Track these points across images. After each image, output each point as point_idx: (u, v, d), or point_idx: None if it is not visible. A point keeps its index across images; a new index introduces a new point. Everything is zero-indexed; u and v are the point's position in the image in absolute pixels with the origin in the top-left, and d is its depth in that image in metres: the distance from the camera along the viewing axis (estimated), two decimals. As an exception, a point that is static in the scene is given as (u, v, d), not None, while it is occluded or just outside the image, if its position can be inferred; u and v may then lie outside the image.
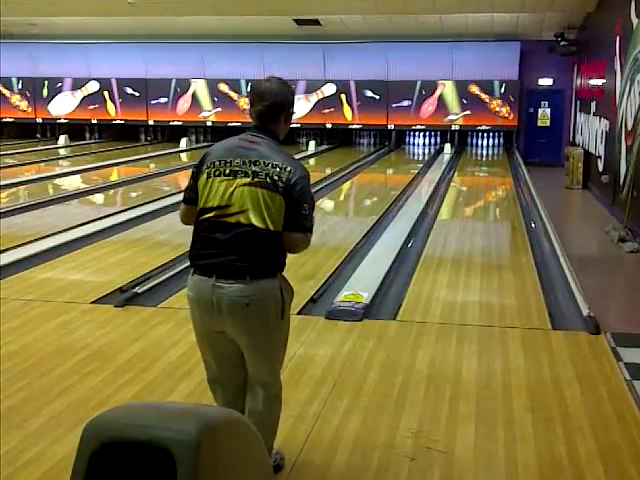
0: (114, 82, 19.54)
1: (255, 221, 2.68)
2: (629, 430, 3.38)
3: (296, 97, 18.15)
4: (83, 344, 4.49)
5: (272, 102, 2.82)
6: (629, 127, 9.08)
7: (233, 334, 2.78)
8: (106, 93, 19.65)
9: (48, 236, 7.50)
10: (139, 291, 5.53)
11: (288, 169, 2.73)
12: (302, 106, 18.54)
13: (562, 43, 15.53)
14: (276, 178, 2.71)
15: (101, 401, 3.60)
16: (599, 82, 12.03)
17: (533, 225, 8.69)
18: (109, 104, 19.71)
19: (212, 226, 2.74)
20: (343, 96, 18.31)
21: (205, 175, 2.80)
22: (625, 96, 9.47)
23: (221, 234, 2.72)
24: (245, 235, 2.69)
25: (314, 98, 18.50)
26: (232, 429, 2.04)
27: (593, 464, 3.08)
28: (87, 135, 20.49)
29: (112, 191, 11.60)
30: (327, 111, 18.45)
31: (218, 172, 2.77)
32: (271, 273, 2.74)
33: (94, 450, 1.76)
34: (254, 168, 2.73)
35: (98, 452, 1.76)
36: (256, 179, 2.71)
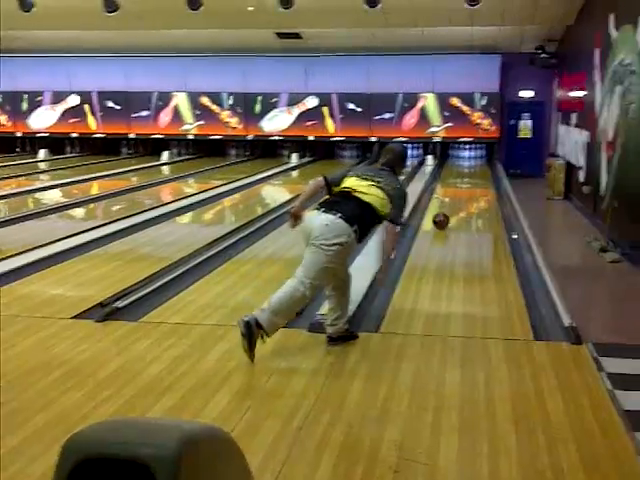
0: (95, 95, 19.48)
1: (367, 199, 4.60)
2: (611, 440, 3.38)
3: (278, 110, 18.43)
4: (63, 359, 4.44)
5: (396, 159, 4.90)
6: (609, 138, 9.17)
7: None
8: (87, 106, 19.57)
9: (28, 250, 7.43)
10: (120, 306, 5.48)
11: (397, 186, 4.76)
12: (284, 119, 18.58)
13: (542, 55, 15.68)
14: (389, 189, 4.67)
15: (81, 417, 3.55)
16: (579, 94, 12.14)
17: (515, 236, 8.72)
18: (90, 118, 19.63)
19: None
20: (325, 109, 18.36)
21: (351, 177, 4.77)
22: (605, 108, 9.56)
23: None
24: None
25: (296, 111, 18.54)
26: (213, 444, 2.02)
27: (576, 475, 3.07)
28: (67, 149, 20.38)
29: (93, 205, 11.54)
30: (309, 124, 18.48)
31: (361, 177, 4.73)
32: None
33: (73, 467, 1.72)
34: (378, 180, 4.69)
35: (77, 469, 1.72)
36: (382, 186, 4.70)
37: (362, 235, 4.52)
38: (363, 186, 4.59)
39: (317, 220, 4.43)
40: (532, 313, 5.43)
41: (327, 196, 4.74)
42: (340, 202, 4.53)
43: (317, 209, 4.53)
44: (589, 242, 8.32)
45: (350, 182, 4.65)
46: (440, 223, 9.10)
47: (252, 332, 4.26)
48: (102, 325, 5.10)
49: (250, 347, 4.26)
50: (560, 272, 6.77)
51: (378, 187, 4.58)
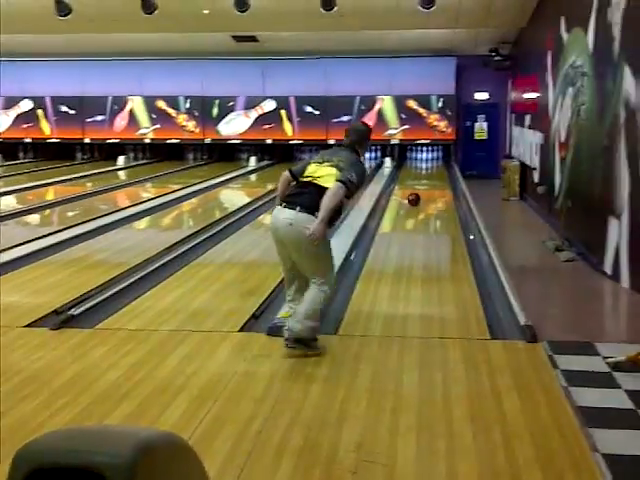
0: (48, 100, 19.20)
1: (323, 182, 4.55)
2: (566, 436, 3.44)
3: (235, 113, 18.37)
4: (18, 368, 4.36)
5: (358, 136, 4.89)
6: (562, 139, 9.33)
7: None
8: (40, 111, 19.28)
9: (-19, 258, 7.29)
10: (75, 313, 5.40)
11: (347, 158, 4.70)
12: (242, 122, 18.53)
13: (496, 58, 15.90)
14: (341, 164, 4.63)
15: (37, 426, 3.50)
16: (533, 96, 12.33)
17: (472, 237, 8.83)
18: (43, 122, 19.34)
19: None
20: (283, 112, 18.35)
21: (311, 164, 4.76)
22: (557, 109, 9.73)
23: None
24: None
25: (254, 114, 18.50)
26: (170, 451, 2.00)
27: (532, 471, 3.12)
28: (21, 154, 20.04)
29: (48, 211, 11.37)
30: (267, 127, 18.46)
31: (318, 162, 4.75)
32: None
33: (25, 477, 1.70)
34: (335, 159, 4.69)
35: (30, 479, 1.70)
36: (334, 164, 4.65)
37: (331, 219, 4.53)
38: (321, 170, 4.62)
39: (280, 222, 4.50)
40: (488, 312, 5.50)
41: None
42: (299, 194, 4.58)
43: (279, 204, 4.61)
44: (544, 242, 8.46)
45: (310, 170, 4.68)
46: (412, 201, 10.83)
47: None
48: (57, 333, 5.03)
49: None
50: (516, 271, 6.87)
51: (333, 166, 4.59)
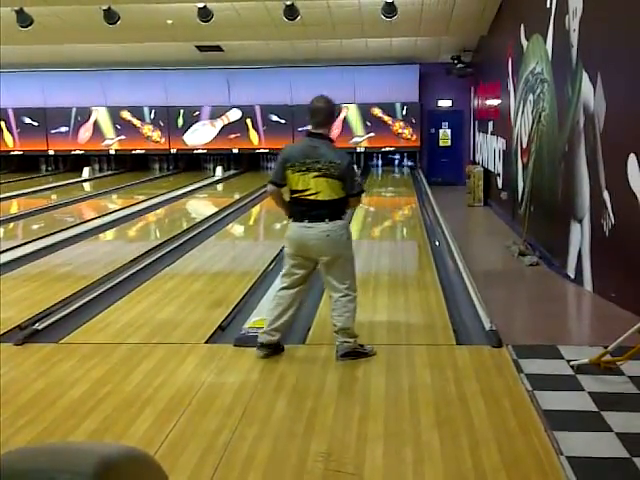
0: (11, 112, 18.97)
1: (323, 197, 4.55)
2: (531, 440, 3.47)
3: (201, 123, 18.32)
4: (-20, 386, 4.30)
5: (323, 115, 4.66)
6: (524, 145, 9.45)
7: None
8: (2, 123, 19.04)
9: (-58, 274, 7.17)
10: (39, 327, 5.33)
11: (339, 162, 4.53)
12: (207, 132, 18.51)
13: (458, 65, 16.08)
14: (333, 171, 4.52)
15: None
16: (495, 102, 12.48)
17: (437, 243, 8.89)
18: (6, 135, 19.10)
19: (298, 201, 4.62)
20: (249, 121, 18.35)
21: (290, 171, 4.57)
22: (519, 116, 9.85)
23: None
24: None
25: (219, 124, 18.47)
26: (134, 466, 1.98)
27: (498, 476, 3.14)
28: (-17, 167, 19.79)
29: (11, 224, 11.21)
30: (233, 136, 18.44)
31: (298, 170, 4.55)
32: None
33: (-15, 500, 1.67)
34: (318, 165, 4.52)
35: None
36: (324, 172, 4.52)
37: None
38: (308, 182, 4.53)
39: (312, 235, 4.57)
40: (454, 318, 5.54)
41: (290, 202, 4.73)
42: (316, 208, 4.57)
43: (297, 220, 4.62)
44: (508, 246, 8.55)
45: (294, 181, 4.58)
46: None
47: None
48: (21, 348, 4.96)
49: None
50: (481, 277, 6.93)
51: (322, 176, 4.52)
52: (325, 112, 4.68)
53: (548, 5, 7.96)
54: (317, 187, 4.53)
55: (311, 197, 4.55)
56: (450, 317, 5.56)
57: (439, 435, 3.54)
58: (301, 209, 4.61)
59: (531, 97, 9.00)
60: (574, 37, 6.95)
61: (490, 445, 3.42)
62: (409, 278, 7.32)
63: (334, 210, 4.58)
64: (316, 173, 4.52)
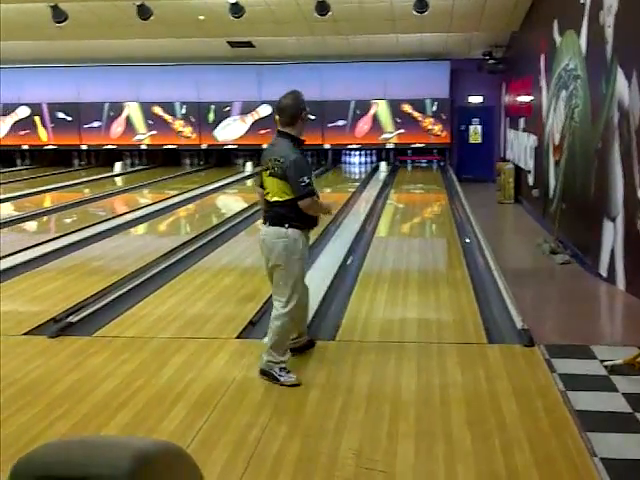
0: (45, 107, 19.19)
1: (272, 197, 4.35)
2: (564, 440, 3.45)
3: (231, 119, 18.39)
4: (15, 378, 4.36)
5: (288, 114, 4.46)
6: (556, 142, 9.36)
7: None
8: (37, 118, 19.27)
9: (-22, 267, 7.29)
10: (73, 320, 5.40)
11: (282, 160, 4.27)
12: (238, 127, 18.54)
13: (490, 61, 15.92)
14: (277, 169, 4.30)
15: (33, 437, 3.49)
16: (526, 99, 12.36)
17: (467, 240, 8.84)
18: (40, 129, 19.32)
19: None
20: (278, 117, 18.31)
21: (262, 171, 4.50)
22: (551, 112, 9.75)
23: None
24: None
25: (250, 119, 18.50)
26: (168, 460, 2.00)
27: (530, 476, 3.13)
28: (18, 161, 20.02)
29: (45, 218, 11.37)
30: (263, 132, 18.44)
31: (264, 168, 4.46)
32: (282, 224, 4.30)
33: (22, 490, 1.70)
34: (270, 164, 4.36)
35: (26, 492, 1.70)
36: (271, 171, 4.34)
37: (307, 222, 4.39)
38: (265, 182, 4.44)
39: (261, 239, 4.44)
40: (485, 316, 5.51)
41: None
42: (268, 210, 4.44)
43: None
44: (539, 244, 8.47)
45: (265, 182, 4.48)
46: None
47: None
48: (55, 341, 5.03)
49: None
50: (512, 275, 6.87)
51: (270, 175, 4.37)
52: (290, 111, 4.47)
53: (582, 1, 7.87)
54: (269, 187, 4.40)
55: (267, 197, 4.42)
56: (481, 315, 5.52)
57: (470, 434, 3.53)
58: (264, 209, 4.53)
59: (564, 93, 8.90)
60: (609, 33, 6.85)
61: (522, 445, 3.40)
62: (439, 275, 7.28)
63: (277, 214, 4.33)
64: (269, 172, 4.39)
